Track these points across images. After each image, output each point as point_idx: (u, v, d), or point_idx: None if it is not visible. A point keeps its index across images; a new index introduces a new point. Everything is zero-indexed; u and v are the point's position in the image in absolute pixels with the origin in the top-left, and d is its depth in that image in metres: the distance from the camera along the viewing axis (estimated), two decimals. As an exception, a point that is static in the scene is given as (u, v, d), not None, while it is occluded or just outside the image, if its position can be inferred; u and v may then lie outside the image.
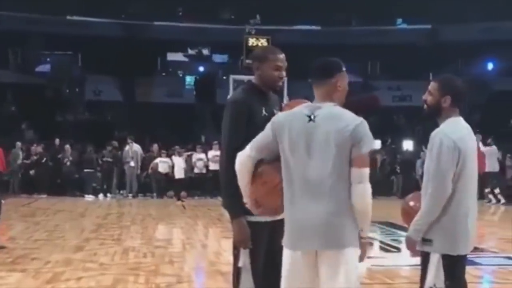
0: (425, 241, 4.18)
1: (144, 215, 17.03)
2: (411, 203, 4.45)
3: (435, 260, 4.14)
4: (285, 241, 3.79)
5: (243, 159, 3.94)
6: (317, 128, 3.70)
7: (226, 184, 4.29)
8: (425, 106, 4.34)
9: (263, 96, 4.50)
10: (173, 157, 23.11)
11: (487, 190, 22.10)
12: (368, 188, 3.68)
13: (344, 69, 3.87)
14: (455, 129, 4.19)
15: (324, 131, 3.67)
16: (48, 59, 32.54)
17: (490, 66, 30.69)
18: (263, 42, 26.43)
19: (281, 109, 4.47)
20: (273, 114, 4.32)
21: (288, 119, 3.81)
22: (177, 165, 22.53)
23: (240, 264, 4.35)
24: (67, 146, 24.12)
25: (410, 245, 4.26)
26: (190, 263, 9.40)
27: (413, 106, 29.85)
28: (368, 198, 3.69)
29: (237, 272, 4.41)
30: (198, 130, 28.92)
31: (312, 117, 3.73)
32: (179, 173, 22.45)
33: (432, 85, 4.29)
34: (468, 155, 4.18)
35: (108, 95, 32.14)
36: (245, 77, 26.62)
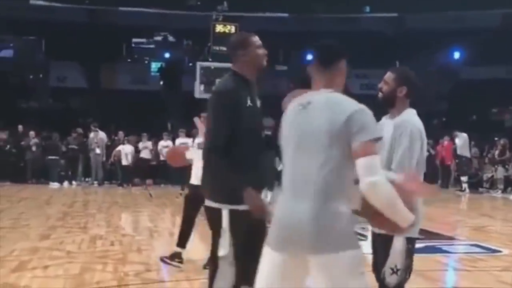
0: None
1: (110, 203, 16.90)
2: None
3: (399, 243, 4.29)
4: (269, 241, 3.41)
5: None
6: (308, 117, 3.33)
7: (225, 171, 4.28)
8: (380, 94, 4.51)
9: (247, 85, 4.50)
10: (140, 143, 23.11)
11: (462, 178, 22.32)
12: (378, 181, 3.16)
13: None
14: (418, 120, 4.42)
15: (315, 119, 3.29)
16: (11, 45, 32.01)
17: (457, 55, 30.91)
18: (230, 28, 26.27)
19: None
20: (256, 105, 4.42)
21: (287, 112, 3.49)
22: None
23: (221, 253, 4.33)
24: (32, 133, 23.76)
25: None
26: (158, 251, 9.33)
27: (380, 95, 29.88)
28: (381, 193, 3.19)
29: (215, 260, 4.37)
30: (164, 117, 28.76)
31: (305, 105, 3.37)
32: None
33: (389, 75, 4.48)
34: (426, 144, 4.47)
35: (72, 82, 31.76)
36: (212, 64, 26.53)
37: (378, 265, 4.44)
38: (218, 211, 4.34)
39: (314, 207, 3.23)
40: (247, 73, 4.52)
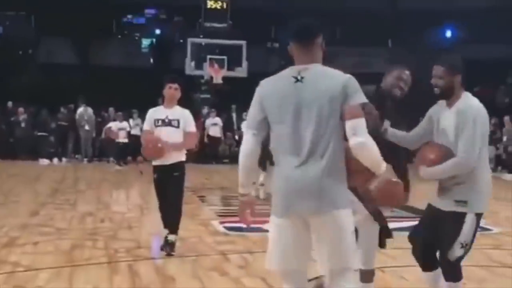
0: (460, 202, 4.51)
1: (100, 179, 16.85)
2: (434, 155, 4.57)
3: (470, 219, 4.54)
4: (275, 209, 3.72)
5: (251, 144, 3.79)
6: (305, 88, 3.60)
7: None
8: (436, 89, 4.66)
9: None
10: (131, 120, 22.93)
11: None
12: (365, 141, 3.55)
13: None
14: (480, 104, 4.62)
15: (314, 90, 3.58)
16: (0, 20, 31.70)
17: (448, 33, 30.85)
18: (222, 5, 26.20)
19: None
20: None
21: (272, 83, 3.74)
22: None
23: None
24: (21, 109, 23.61)
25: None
26: (148, 228, 9.31)
27: (372, 73, 29.66)
28: (370, 150, 3.58)
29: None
30: (155, 94, 28.60)
31: (299, 77, 3.63)
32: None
33: (438, 69, 4.64)
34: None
35: (62, 58, 31.47)
36: (203, 40, 26.40)
37: (442, 242, 4.61)
38: None
39: (321, 170, 3.56)
40: None
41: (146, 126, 7.66)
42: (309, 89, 3.59)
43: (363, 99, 3.61)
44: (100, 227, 9.41)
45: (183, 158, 7.55)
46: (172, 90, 7.53)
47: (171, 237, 7.49)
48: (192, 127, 7.54)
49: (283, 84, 3.67)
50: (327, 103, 3.55)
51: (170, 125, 7.43)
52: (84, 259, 7.20)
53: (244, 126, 18.56)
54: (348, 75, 3.63)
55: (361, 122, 3.55)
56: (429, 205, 4.78)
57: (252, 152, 3.77)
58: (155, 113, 7.60)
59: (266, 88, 3.74)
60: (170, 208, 7.58)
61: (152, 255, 7.61)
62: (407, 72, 5.08)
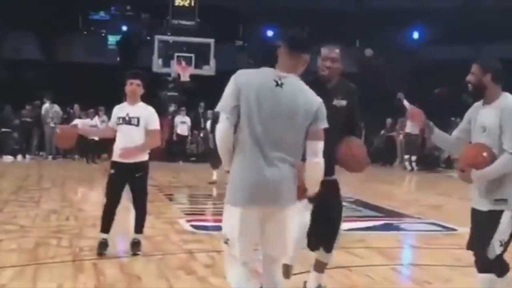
0: (500, 200, 4.61)
1: (65, 177, 16.66)
2: (485, 154, 4.61)
3: (508, 217, 4.60)
4: (235, 199, 3.99)
5: (225, 127, 4.02)
6: (284, 93, 3.93)
7: None
8: (469, 86, 4.81)
9: None
10: (96, 117, 22.68)
11: (406, 157, 22.13)
12: (322, 162, 4.01)
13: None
14: None
15: (292, 98, 3.93)
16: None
17: (416, 35, 31.04)
18: (190, 2, 26.10)
19: None
20: None
21: (250, 77, 4.00)
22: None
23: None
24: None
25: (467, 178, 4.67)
26: (114, 227, 9.17)
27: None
28: (321, 171, 4.03)
29: None
30: (122, 91, 28.32)
31: (279, 82, 3.94)
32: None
33: (474, 67, 4.80)
34: None
35: (27, 54, 31.11)
36: (170, 38, 26.28)
37: (480, 240, 4.69)
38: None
39: (286, 168, 3.95)
40: None
41: (110, 124, 7.50)
42: (287, 97, 3.93)
43: (326, 124, 4.02)
44: (64, 225, 9.30)
45: (146, 158, 7.30)
46: (133, 86, 7.28)
47: (137, 237, 7.43)
48: (154, 125, 7.24)
49: (263, 83, 3.95)
50: (301, 115, 3.93)
51: (129, 123, 7.16)
52: (49, 257, 7.12)
53: (208, 125, 18.52)
54: (320, 100, 4.04)
55: (321, 145, 4.01)
56: (472, 210, 4.84)
57: (227, 135, 3.99)
58: (118, 110, 7.37)
59: (244, 79, 3.98)
60: (135, 209, 7.48)
61: (118, 253, 7.53)
62: (336, 50, 5.30)
